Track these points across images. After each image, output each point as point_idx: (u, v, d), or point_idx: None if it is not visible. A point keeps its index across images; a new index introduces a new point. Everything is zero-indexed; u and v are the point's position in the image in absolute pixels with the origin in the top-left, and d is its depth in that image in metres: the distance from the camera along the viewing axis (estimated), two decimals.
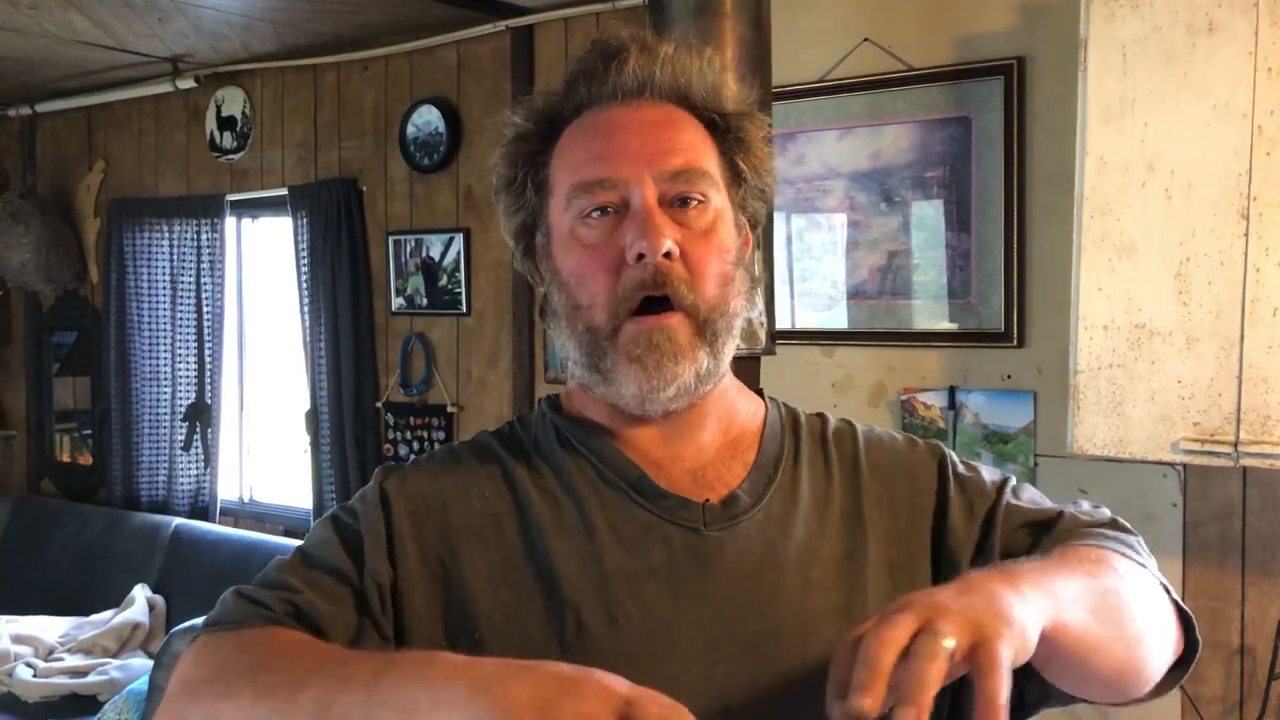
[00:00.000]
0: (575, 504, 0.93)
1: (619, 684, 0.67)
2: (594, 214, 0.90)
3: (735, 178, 0.95)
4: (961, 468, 0.99)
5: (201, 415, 4.31)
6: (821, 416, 1.05)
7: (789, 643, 0.88)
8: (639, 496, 0.92)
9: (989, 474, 0.99)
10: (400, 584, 0.90)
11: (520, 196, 0.96)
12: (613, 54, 0.93)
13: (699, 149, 0.93)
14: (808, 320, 2.75)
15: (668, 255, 0.88)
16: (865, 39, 2.65)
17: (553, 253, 0.95)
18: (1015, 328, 2.46)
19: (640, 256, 0.88)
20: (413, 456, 3.88)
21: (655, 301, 0.89)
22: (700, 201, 0.91)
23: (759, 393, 1.05)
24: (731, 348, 0.94)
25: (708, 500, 0.92)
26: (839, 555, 0.93)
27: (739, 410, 1.00)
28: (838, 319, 2.73)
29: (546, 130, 0.96)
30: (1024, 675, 0.85)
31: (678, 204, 0.91)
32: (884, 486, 0.98)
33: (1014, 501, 0.96)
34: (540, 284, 0.99)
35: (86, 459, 4.73)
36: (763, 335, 2.02)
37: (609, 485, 0.94)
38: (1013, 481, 0.99)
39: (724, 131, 0.95)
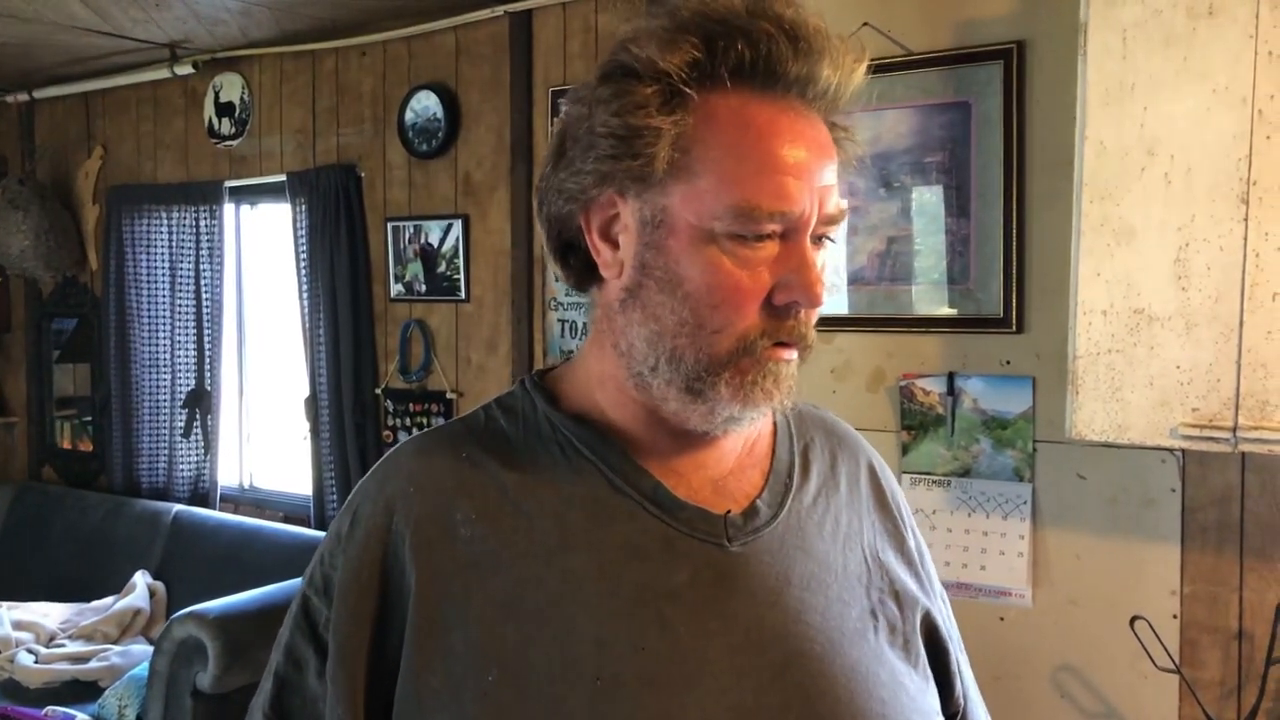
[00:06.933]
0: (583, 516, 0.83)
1: None
2: (755, 237, 0.80)
3: None
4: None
5: (201, 402, 4.32)
6: (823, 413, 1.02)
7: (817, 664, 0.82)
8: (655, 508, 0.84)
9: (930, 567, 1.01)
10: (383, 664, 0.83)
11: (629, 158, 0.79)
12: (801, 37, 0.80)
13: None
14: None
15: None
16: (865, 23, 2.63)
17: (668, 245, 0.81)
18: (1014, 313, 2.45)
19: (792, 303, 0.81)
20: None
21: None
22: (830, 241, 0.86)
23: None
24: None
25: (729, 512, 0.85)
26: (852, 570, 0.89)
27: None
28: (837, 304, 2.72)
29: (689, 83, 0.79)
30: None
31: (813, 240, 0.83)
32: (882, 513, 0.97)
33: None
34: (578, 240, 0.87)
35: (87, 446, 4.74)
36: None
37: (620, 494, 0.84)
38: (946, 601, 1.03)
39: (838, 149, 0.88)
